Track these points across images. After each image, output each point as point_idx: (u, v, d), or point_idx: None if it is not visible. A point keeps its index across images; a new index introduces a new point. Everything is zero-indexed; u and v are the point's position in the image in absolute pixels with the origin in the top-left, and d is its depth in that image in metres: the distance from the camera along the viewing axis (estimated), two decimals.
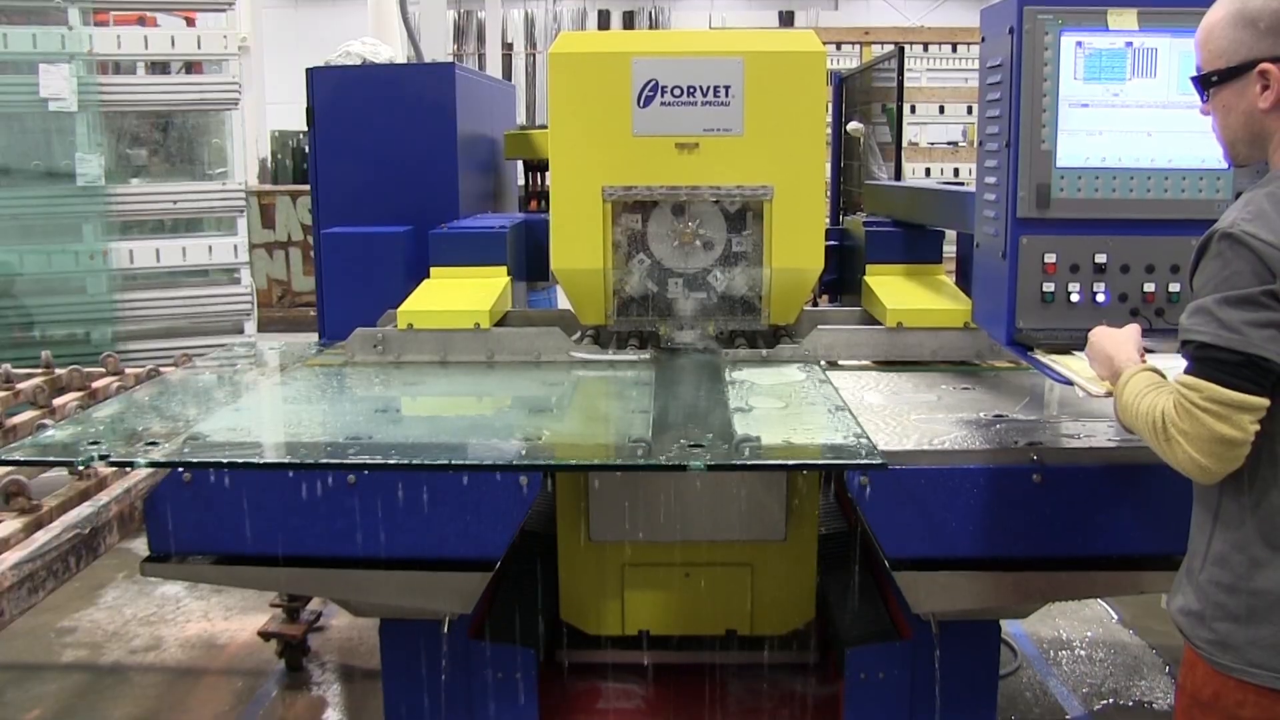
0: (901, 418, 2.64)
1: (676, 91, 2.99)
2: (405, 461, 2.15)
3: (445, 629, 2.75)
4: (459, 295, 3.21)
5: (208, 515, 2.42)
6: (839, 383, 2.93)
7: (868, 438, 2.25)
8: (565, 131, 3.01)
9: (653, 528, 2.96)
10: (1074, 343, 2.36)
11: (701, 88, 2.98)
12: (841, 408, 2.50)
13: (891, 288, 3.29)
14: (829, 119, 4.43)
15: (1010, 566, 2.45)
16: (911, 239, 3.54)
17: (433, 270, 3.39)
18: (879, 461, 2.13)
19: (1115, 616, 4.51)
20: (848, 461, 2.17)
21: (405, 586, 2.48)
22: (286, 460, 2.21)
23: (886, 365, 3.14)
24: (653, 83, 2.98)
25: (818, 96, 3.01)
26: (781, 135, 2.99)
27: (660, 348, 3.13)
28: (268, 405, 2.82)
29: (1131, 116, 2.43)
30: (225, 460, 2.18)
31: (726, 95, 2.98)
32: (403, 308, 3.14)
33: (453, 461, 2.18)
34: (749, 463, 2.11)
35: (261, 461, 2.22)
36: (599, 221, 3.05)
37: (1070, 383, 2.25)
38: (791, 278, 3.10)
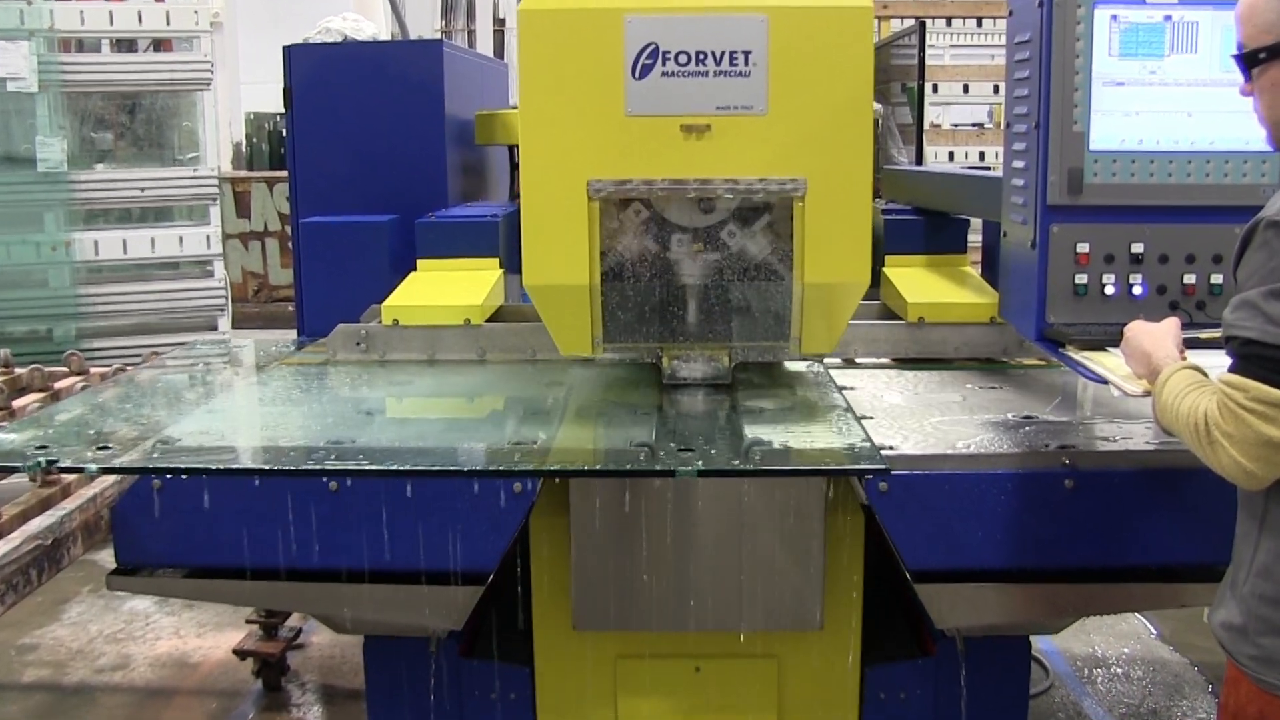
0: (923, 419, 2.63)
1: (682, 59, 2.55)
2: (389, 467, 2.16)
3: (434, 647, 2.75)
4: (448, 289, 3.19)
5: (179, 525, 2.40)
6: (856, 381, 2.92)
7: (870, 439, 2.25)
8: (539, 110, 2.57)
9: (652, 614, 2.59)
10: (1108, 338, 2.36)
11: (714, 54, 2.54)
12: (844, 408, 2.51)
13: (912, 280, 3.27)
14: None
15: (1041, 578, 2.45)
16: (934, 227, 3.50)
17: (420, 262, 3.36)
18: (882, 466, 2.13)
19: (1154, 632, 4.52)
20: (848, 467, 2.18)
21: (391, 601, 2.47)
22: (261, 466, 2.22)
23: (907, 363, 3.14)
24: (652, 48, 2.55)
25: (863, 64, 2.56)
26: (817, 114, 2.56)
27: (664, 384, 2.81)
28: (243, 407, 2.82)
29: (1170, 96, 2.43)
30: (191, 466, 2.20)
31: (746, 63, 2.55)
32: (387, 302, 3.14)
33: (439, 467, 2.19)
34: (744, 468, 2.11)
35: (234, 468, 2.23)
36: (583, 224, 2.58)
37: (1105, 381, 2.25)
38: (830, 295, 2.68)
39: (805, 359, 2.94)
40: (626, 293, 2.78)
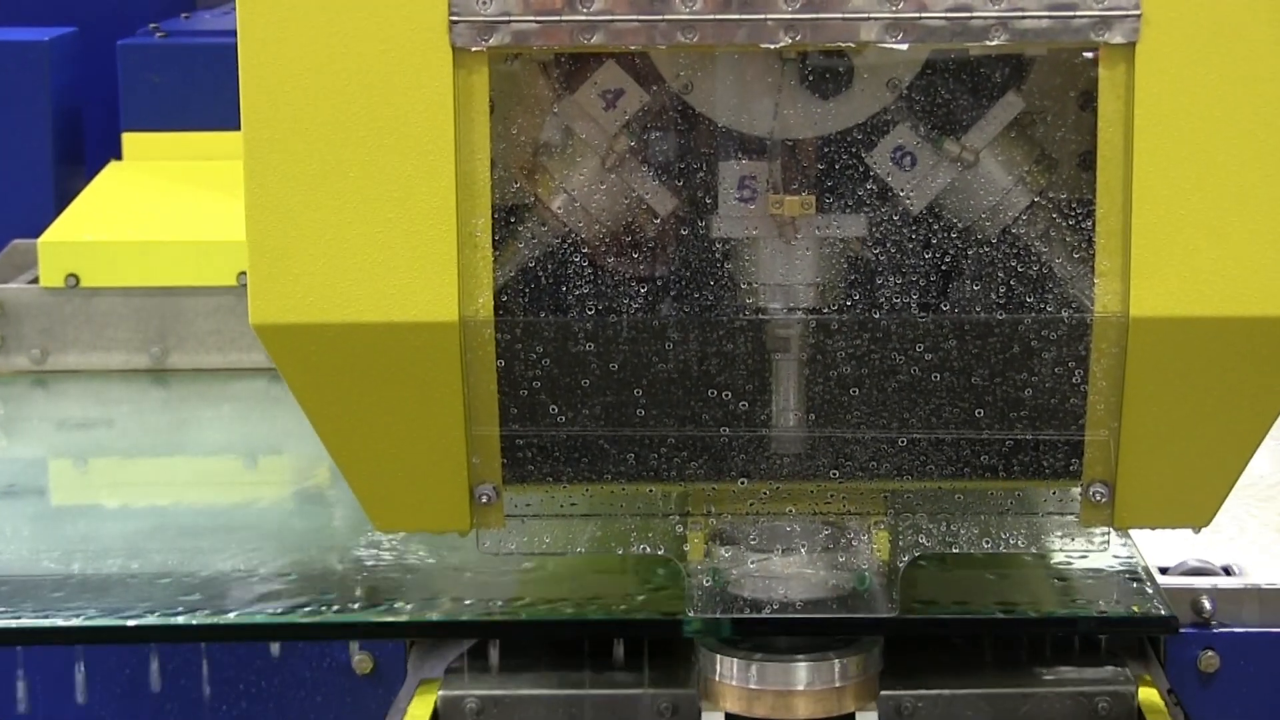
0: None
1: None
2: (56, 623, 1.82)
3: None
4: (192, 203, 2.75)
5: None
6: None
7: (1145, 569, 1.92)
8: None
9: None
10: None
11: None
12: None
13: None
14: None
15: None
16: None
17: (127, 139, 2.99)
18: (1165, 613, 1.79)
19: None
20: (1108, 615, 1.80)
21: None
22: None
23: None
24: None
25: None
26: None
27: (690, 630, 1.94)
28: None
29: None
30: None
31: None
32: (50, 235, 2.76)
33: (175, 621, 1.78)
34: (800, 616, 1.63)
35: None
36: (440, 140, 1.47)
37: None
38: (1217, 357, 1.58)
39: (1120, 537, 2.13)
40: (577, 344, 1.67)
